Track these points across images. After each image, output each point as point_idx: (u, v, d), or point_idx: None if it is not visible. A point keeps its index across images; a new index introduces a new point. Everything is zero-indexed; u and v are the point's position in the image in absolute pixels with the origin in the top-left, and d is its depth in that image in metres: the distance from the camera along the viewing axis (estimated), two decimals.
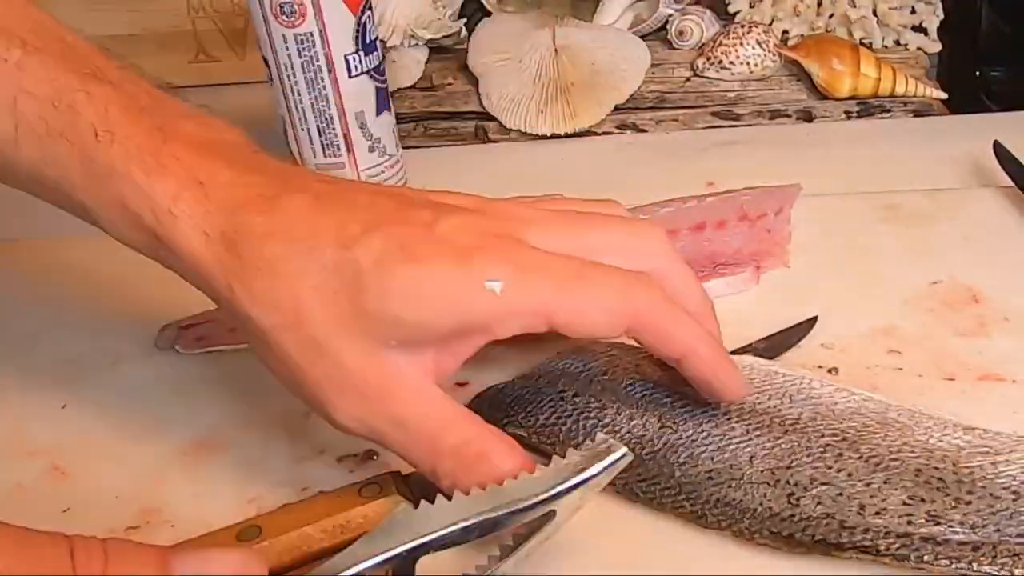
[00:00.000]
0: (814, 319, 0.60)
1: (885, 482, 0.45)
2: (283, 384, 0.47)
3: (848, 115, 0.89)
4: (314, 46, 0.71)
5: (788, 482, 0.46)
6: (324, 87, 0.73)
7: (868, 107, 0.89)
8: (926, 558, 0.42)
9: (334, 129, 0.75)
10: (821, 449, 0.47)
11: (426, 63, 0.94)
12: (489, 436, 0.44)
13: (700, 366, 0.47)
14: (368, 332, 0.43)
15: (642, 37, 0.94)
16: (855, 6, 0.92)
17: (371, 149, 0.77)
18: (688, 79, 0.91)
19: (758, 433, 0.49)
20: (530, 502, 0.40)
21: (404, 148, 0.82)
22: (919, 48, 0.93)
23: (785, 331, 0.59)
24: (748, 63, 0.89)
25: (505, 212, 0.48)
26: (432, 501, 0.41)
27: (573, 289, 0.44)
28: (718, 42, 0.90)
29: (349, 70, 0.73)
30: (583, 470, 0.41)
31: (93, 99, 0.46)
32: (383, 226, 0.44)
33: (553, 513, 0.41)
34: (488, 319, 0.44)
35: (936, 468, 0.45)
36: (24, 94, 0.46)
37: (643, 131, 0.90)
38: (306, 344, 0.44)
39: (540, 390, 0.53)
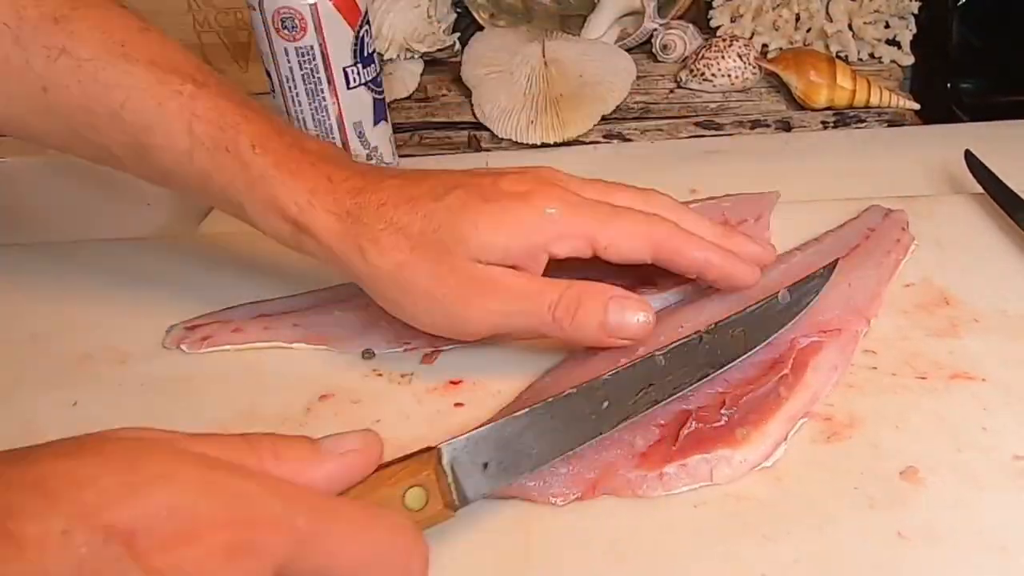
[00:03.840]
0: (835, 262, 0.60)
1: None
2: (419, 320, 0.57)
3: (825, 125, 0.90)
4: (314, 59, 0.71)
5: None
6: (324, 98, 0.73)
7: (844, 117, 0.89)
8: None
9: (333, 138, 0.75)
10: None
11: (421, 75, 0.94)
12: (581, 284, 0.54)
13: (714, 271, 0.57)
14: (467, 254, 0.53)
15: (628, 50, 0.94)
16: (832, 21, 0.93)
17: (369, 157, 0.77)
18: (672, 90, 0.91)
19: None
20: None
21: (400, 157, 0.82)
22: (893, 61, 0.93)
23: (806, 277, 0.59)
24: (729, 75, 0.89)
25: (548, 172, 0.58)
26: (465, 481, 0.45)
27: (610, 221, 0.55)
28: (700, 55, 0.90)
29: (348, 82, 0.73)
30: None
31: (249, 122, 0.57)
32: (461, 185, 0.55)
33: None
34: (550, 237, 0.54)
35: None
36: (196, 118, 0.56)
37: (629, 140, 0.90)
38: (426, 271, 0.54)
39: None
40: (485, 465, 0.46)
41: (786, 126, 0.90)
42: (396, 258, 0.54)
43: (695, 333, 0.54)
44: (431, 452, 0.45)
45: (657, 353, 0.53)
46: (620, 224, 0.55)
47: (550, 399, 0.49)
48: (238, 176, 0.56)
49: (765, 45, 0.95)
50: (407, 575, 0.40)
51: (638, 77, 0.91)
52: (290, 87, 0.73)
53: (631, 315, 0.54)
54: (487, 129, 0.90)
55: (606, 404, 0.50)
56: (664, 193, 0.61)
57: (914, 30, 0.93)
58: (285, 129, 0.58)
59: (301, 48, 0.71)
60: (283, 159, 0.56)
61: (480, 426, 0.47)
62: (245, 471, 0.37)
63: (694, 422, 0.52)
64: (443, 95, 0.92)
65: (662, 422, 0.52)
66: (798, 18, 0.94)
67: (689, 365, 0.53)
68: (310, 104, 0.73)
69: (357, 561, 0.38)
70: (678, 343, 0.53)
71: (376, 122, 0.77)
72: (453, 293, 0.54)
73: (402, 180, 0.56)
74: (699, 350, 0.54)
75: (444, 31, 0.95)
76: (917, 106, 0.89)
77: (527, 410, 0.48)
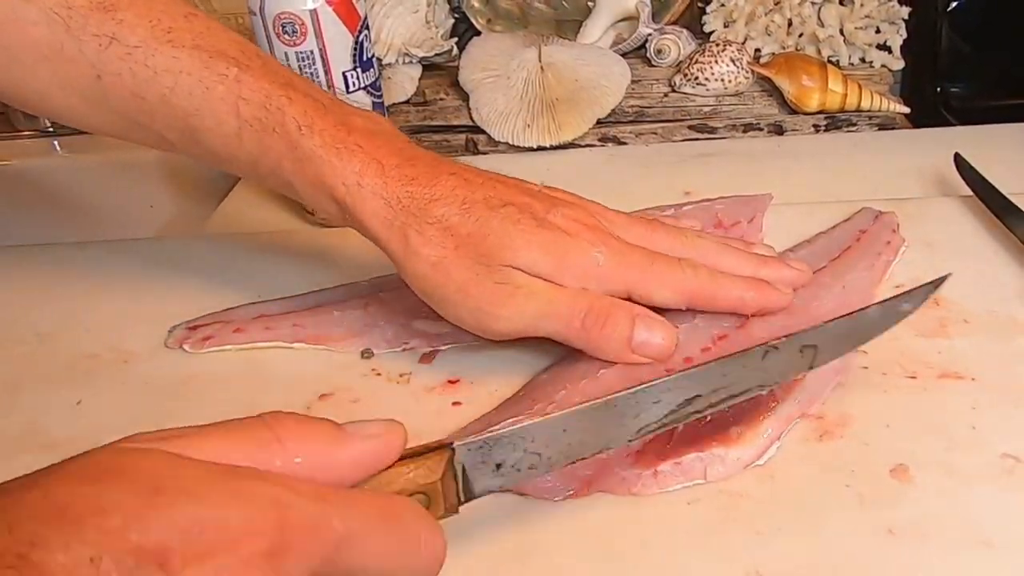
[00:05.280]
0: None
1: None
2: (446, 310, 0.57)
3: (817, 128, 0.90)
4: (314, 63, 0.71)
5: None
6: None
7: (835, 121, 0.89)
8: None
9: None
10: None
11: (419, 79, 0.94)
12: (610, 299, 0.55)
13: (754, 307, 0.58)
14: (512, 261, 0.54)
15: (623, 55, 0.94)
16: (823, 26, 0.93)
17: None
18: (666, 94, 0.92)
19: None
20: None
21: None
22: (883, 65, 0.93)
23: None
24: (723, 79, 0.89)
25: (597, 208, 0.59)
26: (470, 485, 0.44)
27: (649, 273, 0.56)
28: (694, 60, 0.90)
29: (347, 86, 0.73)
30: None
31: (293, 102, 0.57)
32: (514, 202, 0.56)
33: None
34: (591, 279, 0.55)
35: None
36: (242, 100, 0.56)
37: (624, 143, 0.91)
38: (466, 267, 0.54)
39: None
40: (498, 466, 0.45)
41: (778, 129, 0.90)
42: (439, 252, 0.55)
43: (712, 359, 0.50)
44: (444, 450, 0.43)
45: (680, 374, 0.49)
46: (657, 276, 0.56)
47: (569, 409, 0.47)
48: (286, 156, 0.57)
49: (758, 50, 0.95)
50: (430, 563, 0.40)
51: (633, 81, 0.91)
52: None
53: (657, 335, 0.55)
54: (484, 132, 0.90)
55: (638, 416, 0.47)
56: (702, 233, 0.62)
57: (904, 35, 0.93)
58: (331, 106, 0.58)
59: (301, 53, 0.71)
60: (330, 140, 0.56)
61: (494, 428, 0.45)
62: (271, 476, 0.36)
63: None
64: (441, 99, 0.93)
65: None
66: (790, 23, 0.95)
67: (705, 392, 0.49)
68: None
69: (387, 554, 0.37)
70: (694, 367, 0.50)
71: None
72: (489, 292, 0.54)
73: (456, 180, 0.56)
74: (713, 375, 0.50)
75: (442, 36, 0.95)
76: (907, 110, 0.90)
77: (555, 418, 0.46)
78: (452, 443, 0.44)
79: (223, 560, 0.31)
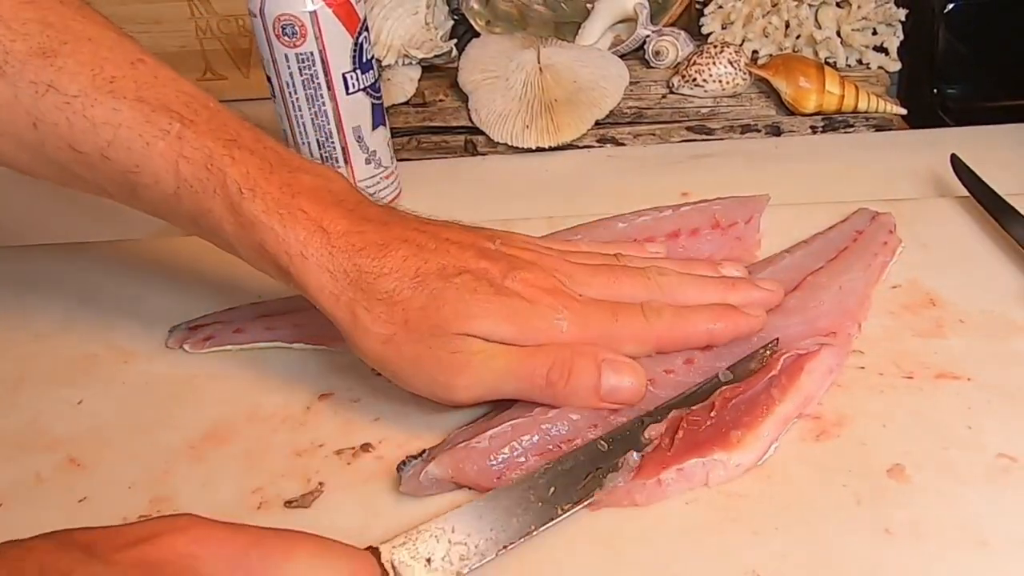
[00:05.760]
0: (775, 340, 0.58)
1: None
2: (401, 383, 0.55)
3: (814, 130, 0.90)
4: (314, 65, 0.71)
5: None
6: (323, 103, 0.73)
7: (832, 122, 0.89)
8: None
9: (333, 143, 0.75)
10: None
11: (419, 81, 0.94)
12: (571, 347, 0.53)
13: (724, 337, 0.57)
14: (467, 329, 0.52)
15: (621, 57, 0.94)
16: (820, 27, 0.93)
17: (367, 161, 0.77)
18: (664, 96, 0.92)
19: None
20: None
21: (398, 160, 0.82)
22: (880, 67, 0.93)
23: (746, 358, 0.57)
24: (720, 81, 0.89)
25: (555, 266, 0.57)
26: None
27: (613, 330, 0.54)
28: (692, 61, 0.90)
29: (347, 87, 0.73)
30: None
31: (236, 162, 0.54)
32: (470, 270, 0.54)
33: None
34: (554, 341, 0.53)
35: None
36: (183, 159, 0.54)
37: (622, 144, 0.91)
38: (417, 340, 0.52)
39: None
40: (428, 560, 0.45)
41: (776, 131, 0.90)
42: (389, 329, 0.53)
43: (636, 418, 0.53)
44: (371, 551, 0.45)
45: (600, 440, 0.51)
46: (621, 331, 0.55)
47: (495, 491, 0.49)
48: (226, 219, 0.55)
49: (755, 51, 0.95)
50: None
51: (631, 83, 0.91)
52: (290, 92, 0.73)
53: (625, 379, 0.53)
54: (483, 133, 0.90)
55: (552, 490, 0.49)
56: (665, 266, 0.60)
57: (901, 37, 0.93)
58: (278, 165, 0.56)
59: (301, 54, 0.71)
60: (273, 204, 0.54)
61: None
62: None
63: (685, 424, 0.52)
64: (440, 100, 0.93)
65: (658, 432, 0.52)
66: (787, 25, 0.95)
67: (633, 448, 0.51)
68: (310, 109, 0.73)
69: (310, 560, 0.40)
70: (620, 430, 0.52)
71: (375, 127, 0.77)
72: (444, 363, 0.52)
73: (407, 249, 0.54)
74: (640, 433, 0.52)
75: (441, 38, 0.95)
76: (904, 111, 0.90)
77: (471, 504, 0.48)
78: (376, 547, 0.45)
79: (145, 548, 0.36)
